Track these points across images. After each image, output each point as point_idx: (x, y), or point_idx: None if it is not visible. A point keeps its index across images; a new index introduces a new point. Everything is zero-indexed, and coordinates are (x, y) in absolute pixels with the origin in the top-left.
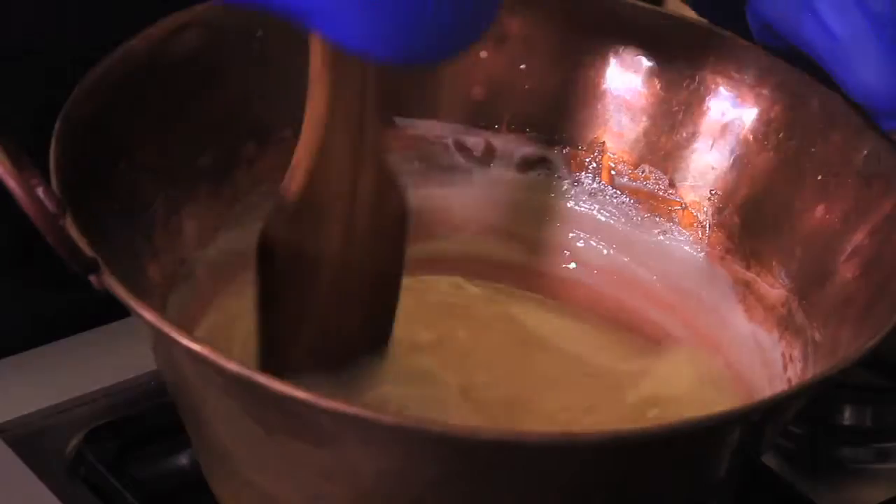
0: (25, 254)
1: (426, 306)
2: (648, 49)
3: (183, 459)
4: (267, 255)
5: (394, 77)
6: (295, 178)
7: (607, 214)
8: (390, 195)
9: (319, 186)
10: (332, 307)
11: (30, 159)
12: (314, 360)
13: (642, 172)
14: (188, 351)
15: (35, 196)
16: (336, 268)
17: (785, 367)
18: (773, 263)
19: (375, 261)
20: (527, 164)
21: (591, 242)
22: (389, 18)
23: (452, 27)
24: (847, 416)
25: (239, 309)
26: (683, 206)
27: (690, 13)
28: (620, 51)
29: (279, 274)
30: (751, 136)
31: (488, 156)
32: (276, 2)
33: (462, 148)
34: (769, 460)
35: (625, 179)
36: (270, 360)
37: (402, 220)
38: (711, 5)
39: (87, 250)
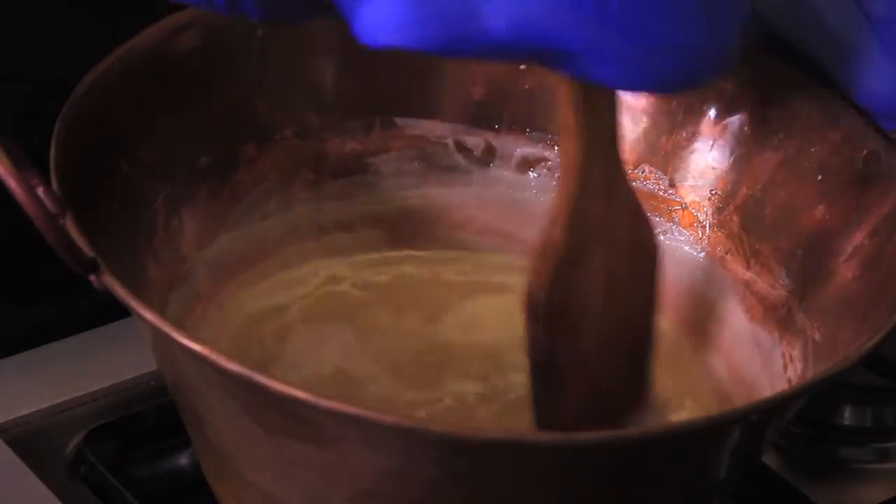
0: (25, 254)
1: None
2: None
3: (183, 459)
4: (535, 312)
5: (395, 77)
6: (556, 228)
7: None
8: (643, 233)
9: (579, 234)
10: (599, 357)
11: (30, 159)
12: (584, 415)
13: (642, 172)
14: (188, 351)
15: (35, 196)
16: (599, 316)
17: (785, 367)
18: (773, 263)
19: (633, 305)
20: (527, 164)
21: None
22: (661, 53)
23: (710, 54)
24: (847, 416)
25: (239, 309)
26: (683, 206)
27: None
28: None
29: (548, 329)
30: (750, 136)
31: (488, 156)
32: (535, 44)
33: (462, 148)
34: (769, 460)
35: None
36: (543, 418)
37: (654, 259)
38: None
39: (87, 250)
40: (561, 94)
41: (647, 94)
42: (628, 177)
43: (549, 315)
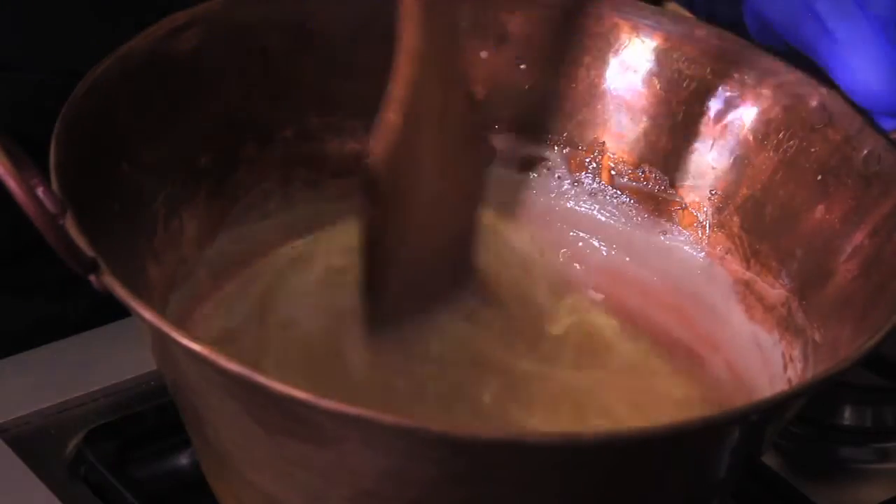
0: (25, 254)
1: None
2: (648, 49)
3: (183, 459)
4: (370, 185)
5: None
6: (392, 109)
7: (607, 214)
8: (470, 121)
9: (414, 116)
10: (427, 237)
11: (30, 159)
12: (410, 297)
13: (642, 172)
14: (188, 351)
15: (35, 196)
16: (430, 197)
17: (785, 367)
18: (773, 263)
19: (461, 189)
20: (527, 164)
21: (591, 242)
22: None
23: None
24: (847, 416)
25: (239, 308)
26: (683, 206)
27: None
28: (620, 51)
29: (381, 204)
30: (751, 136)
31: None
32: None
33: None
34: (769, 460)
35: (625, 179)
36: (370, 298)
37: (480, 148)
38: (708, 6)
39: (87, 250)
40: None
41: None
42: (464, 68)
43: (384, 192)
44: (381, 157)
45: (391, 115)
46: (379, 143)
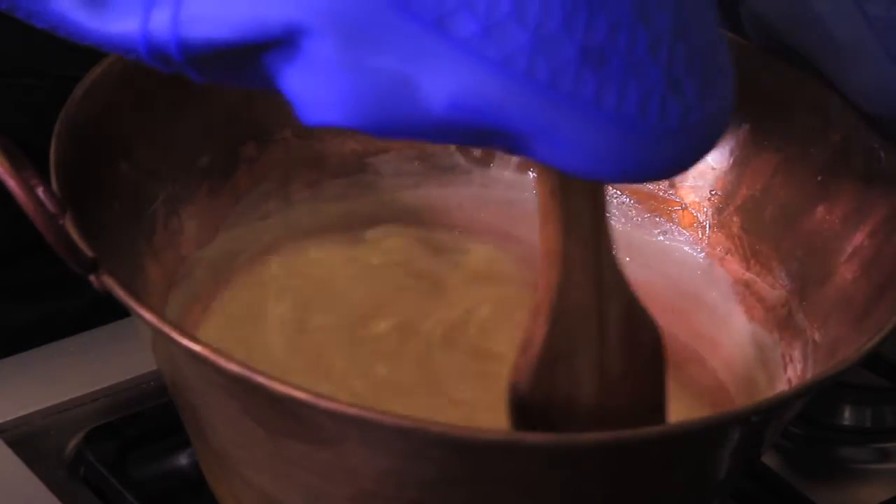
0: (24, 253)
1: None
2: None
3: (183, 459)
4: (518, 407)
5: None
6: (539, 322)
7: (607, 215)
8: (641, 329)
9: (566, 328)
10: None
11: (29, 159)
12: None
13: None
14: (188, 351)
15: (35, 196)
16: (593, 415)
17: (785, 368)
18: (773, 263)
19: (633, 404)
20: (527, 165)
21: None
22: (614, 136)
23: (684, 138)
24: (847, 416)
25: (239, 308)
26: (683, 206)
27: None
28: None
29: (533, 426)
30: (750, 137)
31: (488, 156)
32: (480, 125)
33: (462, 148)
34: (769, 460)
35: None
36: None
37: (658, 356)
38: None
39: (87, 250)
40: (537, 175)
41: (620, 182)
42: (624, 271)
43: (536, 408)
44: (527, 374)
45: (537, 326)
46: (523, 358)
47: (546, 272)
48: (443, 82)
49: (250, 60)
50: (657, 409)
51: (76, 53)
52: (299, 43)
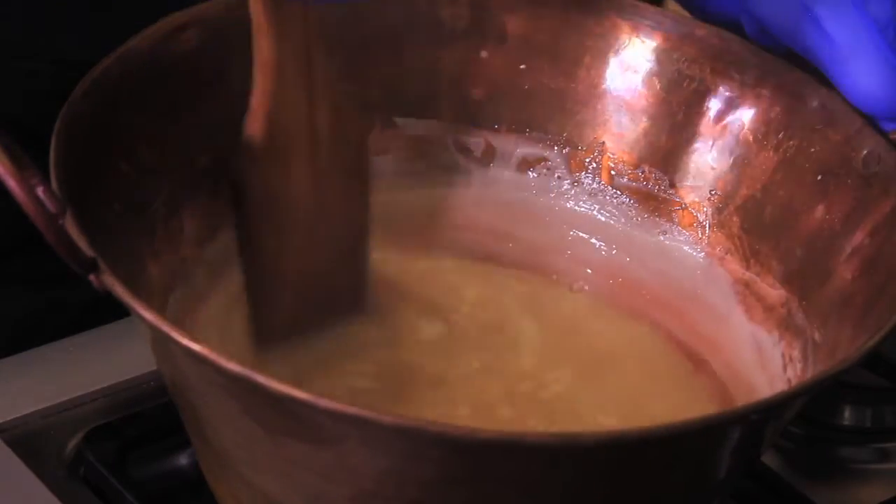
0: (24, 254)
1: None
2: (648, 49)
3: (183, 459)
4: (239, 201)
5: (395, 78)
6: (254, 123)
7: (607, 214)
8: (348, 128)
9: (279, 128)
10: (309, 250)
11: (29, 159)
12: (299, 310)
13: (642, 172)
14: (188, 351)
15: (35, 196)
16: (307, 207)
17: (785, 367)
18: (773, 263)
19: (344, 196)
20: (526, 164)
21: (591, 242)
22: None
23: None
24: (847, 416)
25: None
26: (683, 206)
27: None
28: (620, 51)
29: (253, 219)
30: (751, 136)
31: (488, 156)
32: None
33: (462, 148)
34: (769, 460)
35: (625, 179)
36: (258, 314)
37: (363, 150)
38: (704, 7)
39: (87, 250)
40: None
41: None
42: (328, 76)
43: (254, 201)
44: (246, 169)
45: (254, 127)
46: (243, 155)
47: (260, 80)
48: None
49: None
50: (362, 212)
51: (77, 37)
52: None
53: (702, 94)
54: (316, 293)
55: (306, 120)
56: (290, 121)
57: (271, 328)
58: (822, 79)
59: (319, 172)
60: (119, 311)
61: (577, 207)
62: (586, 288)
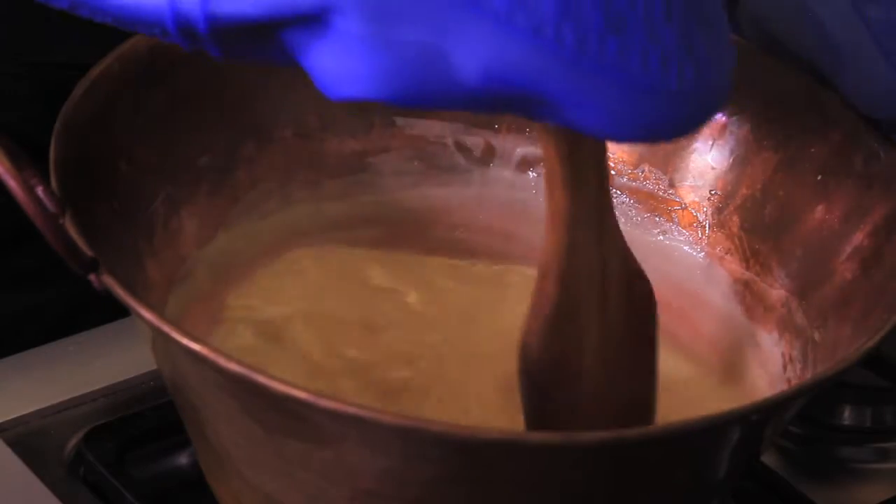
0: (24, 253)
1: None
2: None
3: (183, 459)
4: (529, 372)
5: None
6: (547, 284)
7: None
8: (636, 284)
9: (572, 289)
10: (594, 413)
11: (30, 159)
12: None
13: (642, 172)
14: (188, 351)
15: (35, 196)
16: (598, 370)
17: (785, 367)
18: (773, 263)
19: (633, 359)
20: (527, 164)
21: None
22: (637, 98)
23: (697, 99)
24: (847, 416)
25: (239, 308)
26: (683, 206)
27: None
28: None
29: (543, 385)
30: (750, 136)
31: (488, 156)
32: (511, 92)
33: (462, 148)
34: (769, 460)
35: (624, 179)
36: None
37: (650, 309)
38: None
39: (87, 250)
40: (544, 143)
41: (636, 143)
42: (618, 225)
43: (543, 374)
44: (537, 333)
45: (545, 287)
46: (533, 318)
47: (552, 235)
48: (474, 52)
49: (275, 36)
50: (651, 363)
51: (64, 41)
52: (329, 20)
53: None
54: None
55: (599, 276)
56: (582, 280)
57: None
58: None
59: (607, 336)
60: (118, 311)
61: None
62: None
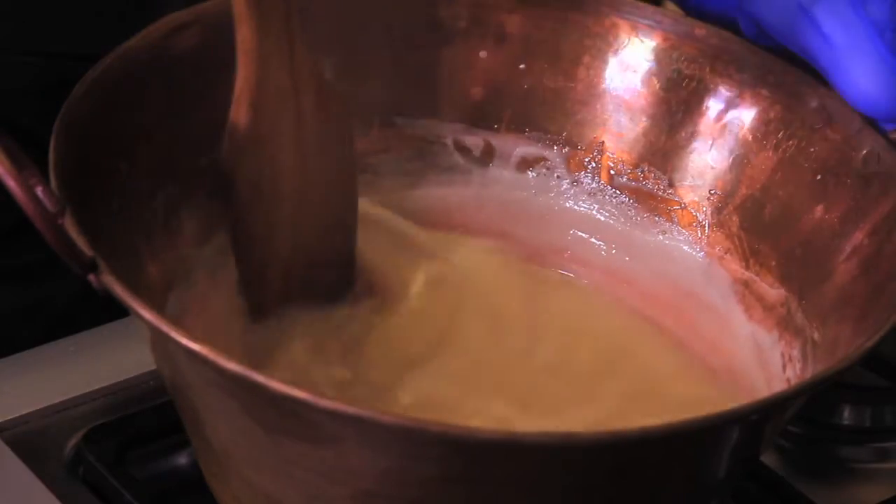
0: (24, 253)
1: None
2: (648, 48)
3: (183, 459)
4: (229, 189)
5: (395, 78)
6: (239, 110)
7: (607, 214)
8: (331, 106)
9: (263, 114)
10: (296, 230)
11: (30, 159)
12: (289, 287)
13: (641, 172)
14: (188, 351)
15: (34, 196)
16: (293, 188)
17: (784, 367)
18: (773, 263)
19: (330, 176)
20: (526, 164)
21: (591, 242)
22: None
23: None
24: (847, 416)
25: (238, 307)
26: (682, 205)
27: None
28: (620, 50)
29: (241, 202)
30: (750, 136)
31: (488, 156)
32: None
33: (462, 148)
34: (769, 460)
35: (624, 179)
36: (249, 292)
37: (346, 130)
38: (700, 7)
39: (87, 250)
40: None
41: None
42: (307, 51)
43: (244, 188)
44: (232, 157)
45: (239, 115)
46: (228, 143)
47: (242, 70)
48: None
49: None
50: (350, 190)
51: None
52: None
53: (701, 94)
54: (305, 271)
55: (291, 105)
56: (274, 107)
57: (262, 305)
58: (820, 79)
59: (305, 155)
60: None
61: (576, 207)
62: (586, 287)
